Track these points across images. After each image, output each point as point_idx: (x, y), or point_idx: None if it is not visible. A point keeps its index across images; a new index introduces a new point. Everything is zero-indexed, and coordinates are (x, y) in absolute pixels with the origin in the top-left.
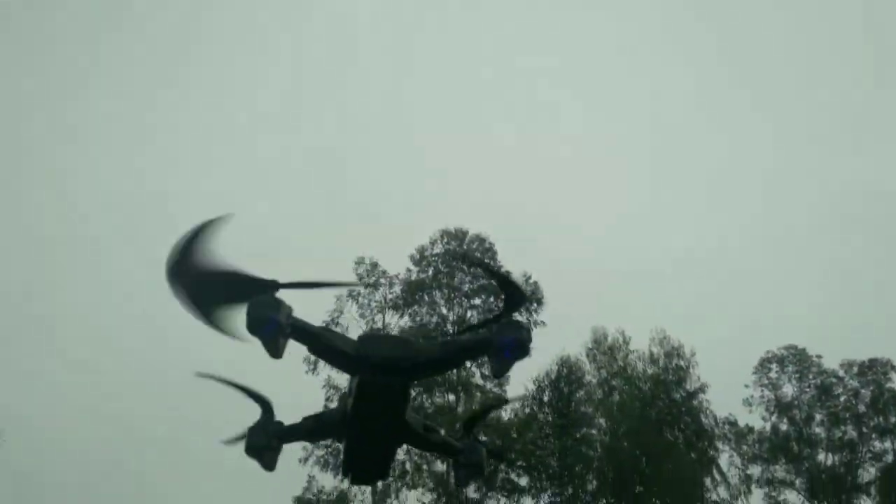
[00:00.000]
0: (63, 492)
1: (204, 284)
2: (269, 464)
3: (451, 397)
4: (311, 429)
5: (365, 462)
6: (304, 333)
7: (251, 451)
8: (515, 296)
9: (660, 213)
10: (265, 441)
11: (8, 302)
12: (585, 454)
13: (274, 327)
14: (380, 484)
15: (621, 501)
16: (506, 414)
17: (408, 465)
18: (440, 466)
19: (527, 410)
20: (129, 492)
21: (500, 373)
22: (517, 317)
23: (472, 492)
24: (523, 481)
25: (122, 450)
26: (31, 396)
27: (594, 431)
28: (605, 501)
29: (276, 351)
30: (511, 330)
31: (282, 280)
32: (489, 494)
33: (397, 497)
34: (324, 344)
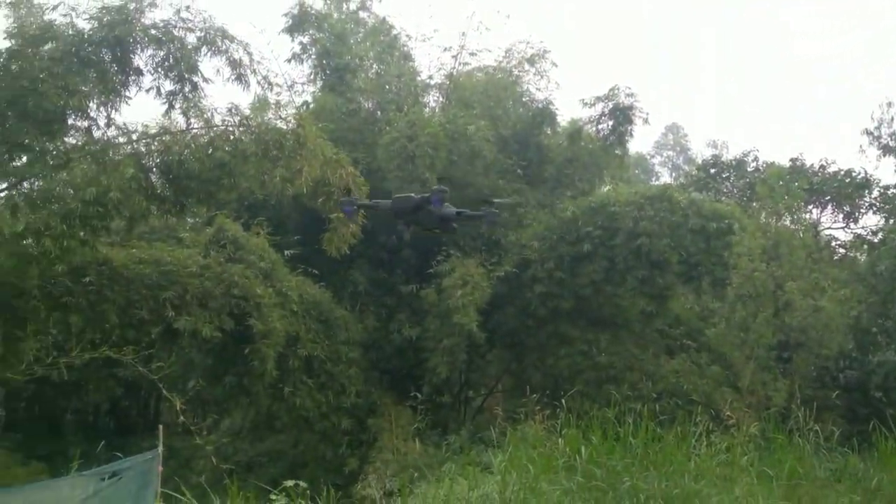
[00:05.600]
0: None
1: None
2: (353, 219)
3: None
4: (377, 206)
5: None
6: (365, 207)
7: (341, 205)
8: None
9: None
10: (352, 207)
11: None
12: None
13: (349, 210)
14: None
15: None
16: None
17: None
18: None
19: None
20: None
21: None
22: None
23: None
24: None
25: None
26: None
27: None
28: None
29: (354, 219)
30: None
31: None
32: None
33: None
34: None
